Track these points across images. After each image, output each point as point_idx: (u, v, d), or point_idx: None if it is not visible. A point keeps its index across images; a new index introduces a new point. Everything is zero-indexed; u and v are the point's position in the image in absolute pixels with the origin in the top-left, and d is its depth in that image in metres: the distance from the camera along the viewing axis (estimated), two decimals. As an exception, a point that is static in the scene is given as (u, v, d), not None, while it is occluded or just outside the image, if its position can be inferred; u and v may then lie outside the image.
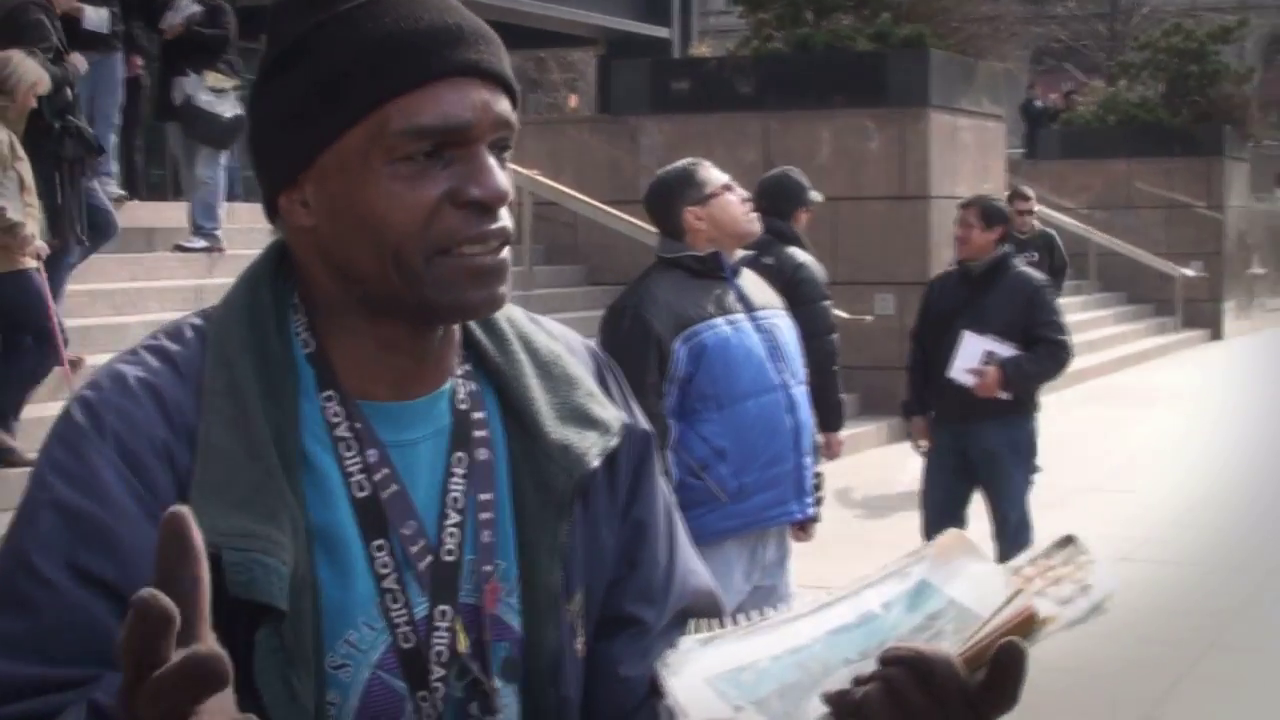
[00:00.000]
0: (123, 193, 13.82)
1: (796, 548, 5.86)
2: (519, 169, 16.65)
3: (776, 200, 8.49)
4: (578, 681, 1.71)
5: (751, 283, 5.55)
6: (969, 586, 1.52)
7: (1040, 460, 9.09)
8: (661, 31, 26.30)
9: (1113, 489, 12.91)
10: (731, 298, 5.41)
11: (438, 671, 1.63)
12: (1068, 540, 1.56)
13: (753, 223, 5.52)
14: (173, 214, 14.03)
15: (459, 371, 1.71)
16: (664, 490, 1.85)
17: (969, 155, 17.99)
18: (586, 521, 1.73)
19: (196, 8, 13.60)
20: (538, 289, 15.54)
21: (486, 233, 1.59)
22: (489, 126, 1.60)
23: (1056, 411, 15.98)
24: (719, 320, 5.34)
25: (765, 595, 5.32)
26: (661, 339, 5.23)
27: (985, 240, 8.67)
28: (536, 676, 1.67)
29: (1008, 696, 1.41)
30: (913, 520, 9.00)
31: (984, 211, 8.75)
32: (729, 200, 5.42)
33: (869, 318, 14.57)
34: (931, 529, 8.87)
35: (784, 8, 19.27)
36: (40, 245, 9.39)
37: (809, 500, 5.59)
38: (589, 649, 1.73)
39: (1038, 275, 9.04)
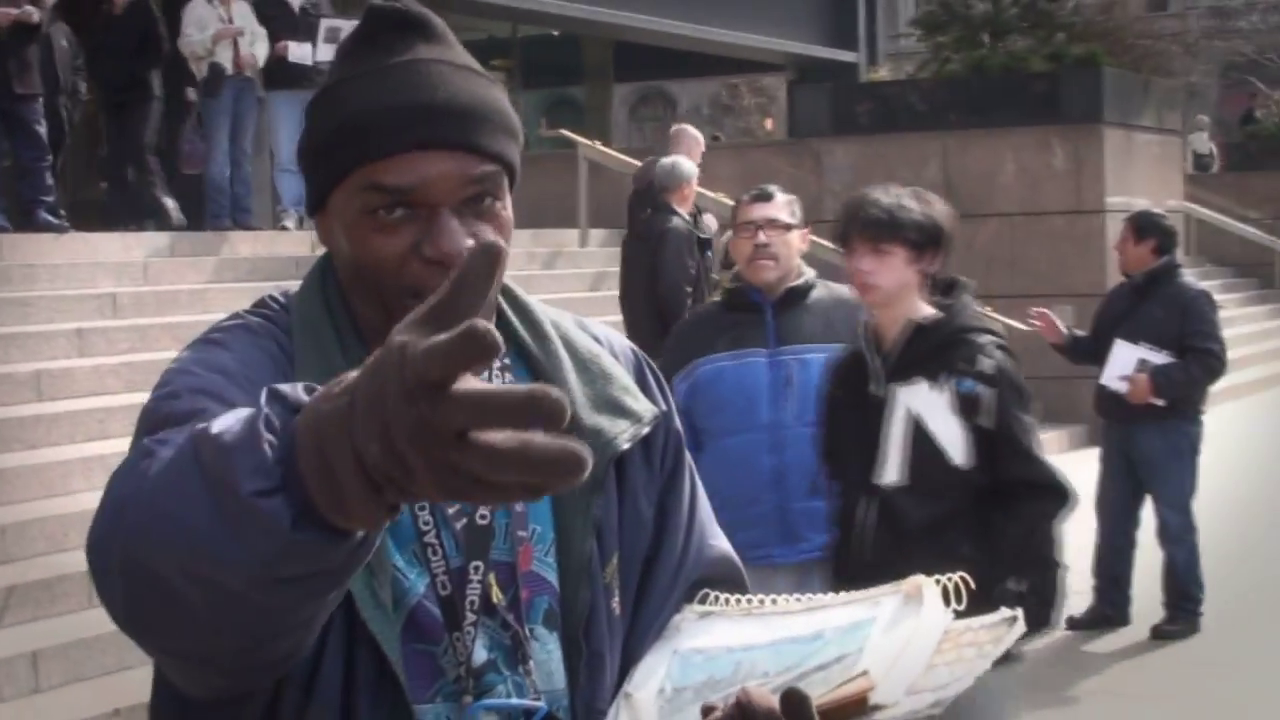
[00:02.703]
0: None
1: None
2: (706, 191, 16.79)
3: None
4: (612, 639, 1.86)
5: (805, 319, 5.25)
6: (889, 642, 1.57)
7: (1216, 465, 9.07)
8: (848, 56, 26.25)
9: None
10: (757, 333, 5.23)
11: (470, 616, 1.77)
12: (1011, 620, 1.60)
13: (755, 270, 5.22)
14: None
15: (498, 365, 1.85)
16: (693, 477, 2.02)
17: (1145, 169, 17.79)
18: (623, 496, 1.89)
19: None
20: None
21: None
22: (449, 192, 1.73)
23: (1245, 419, 15.80)
24: (722, 356, 5.22)
25: None
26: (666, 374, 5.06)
27: (1139, 253, 8.75)
28: (571, 630, 1.82)
29: None
30: (1091, 522, 8.97)
31: (1135, 225, 8.86)
32: (787, 239, 5.23)
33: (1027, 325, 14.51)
34: (1105, 530, 8.92)
35: (961, 31, 19.21)
36: None
37: (805, 546, 5.15)
38: (625, 610, 1.88)
39: (1195, 285, 9.02)
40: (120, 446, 6.87)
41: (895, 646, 1.56)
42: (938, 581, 1.64)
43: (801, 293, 5.24)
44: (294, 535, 1.27)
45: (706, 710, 1.55)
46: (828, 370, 4.80)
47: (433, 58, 1.76)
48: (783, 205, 5.32)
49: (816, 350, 5.13)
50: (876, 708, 1.49)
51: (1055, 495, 4.52)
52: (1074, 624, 8.76)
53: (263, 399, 1.33)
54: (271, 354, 1.75)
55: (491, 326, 1.12)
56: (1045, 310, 9.11)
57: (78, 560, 7.86)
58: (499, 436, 1.11)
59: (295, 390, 1.33)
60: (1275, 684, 7.63)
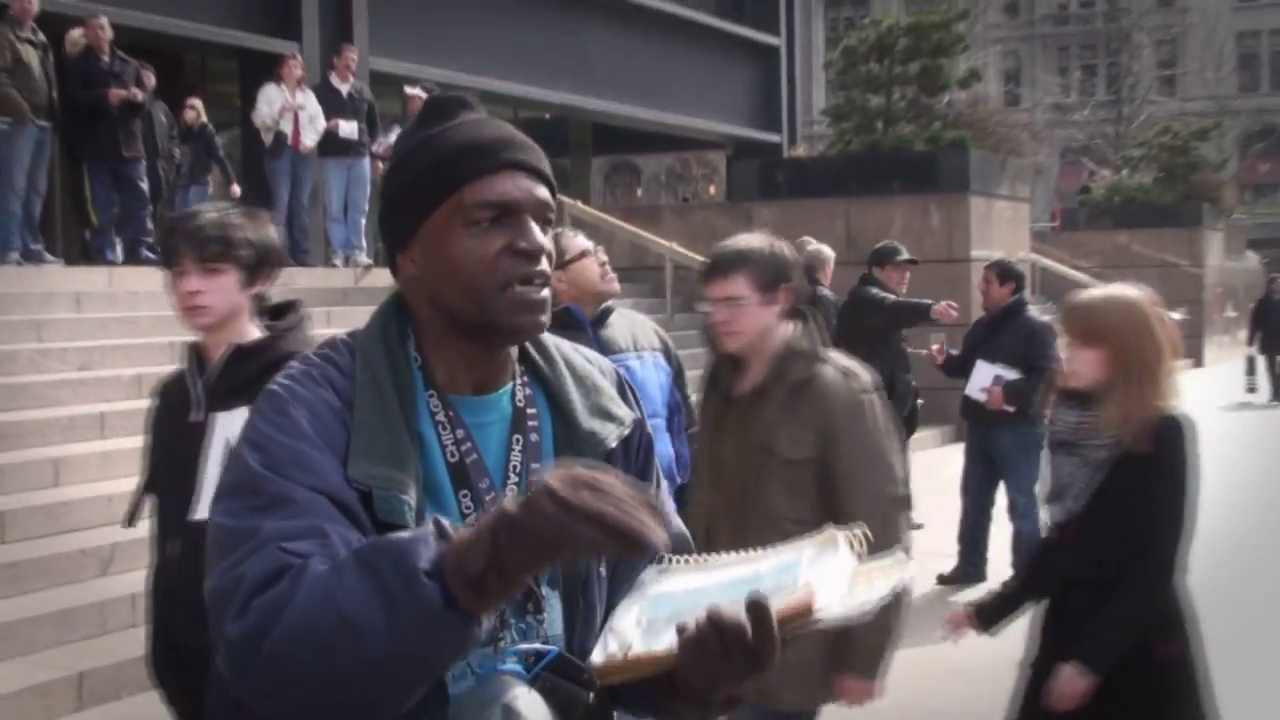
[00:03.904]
0: (369, 261, 14.07)
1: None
2: (662, 241, 16.84)
3: (872, 259, 9.33)
4: (601, 593, 1.84)
5: (620, 330, 4.89)
6: (817, 571, 1.59)
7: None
8: (773, 137, 26.29)
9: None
10: (583, 346, 4.54)
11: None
12: (905, 554, 1.65)
13: (610, 282, 4.87)
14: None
15: (519, 380, 1.86)
16: (659, 469, 1.98)
17: (1001, 229, 17.89)
18: None
19: (392, 137, 13.71)
20: (675, 330, 15.61)
21: (532, 273, 1.74)
22: (533, 204, 1.75)
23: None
24: None
25: None
26: None
27: (1001, 292, 8.77)
28: (571, 588, 1.81)
29: (767, 652, 1.49)
30: (957, 502, 9.09)
31: (1000, 271, 8.87)
32: (586, 265, 4.81)
33: (924, 351, 14.59)
34: (967, 508, 8.95)
35: (860, 119, 19.32)
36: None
37: None
38: (606, 574, 1.86)
39: (1039, 318, 9.05)
40: (203, 434, 6.43)
41: (822, 575, 1.57)
42: (850, 536, 1.66)
43: (608, 311, 4.93)
44: (444, 611, 1.43)
45: (680, 629, 1.55)
46: (154, 392, 3.53)
47: (489, 117, 1.81)
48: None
49: (631, 357, 4.86)
50: (818, 611, 1.50)
51: None
52: (943, 580, 8.81)
53: (429, 524, 1.50)
54: (333, 406, 1.71)
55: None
56: (941, 347, 9.09)
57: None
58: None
59: (448, 524, 1.50)
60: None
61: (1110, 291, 3.71)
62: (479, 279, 1.73)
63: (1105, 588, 3.60)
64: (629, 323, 5.00)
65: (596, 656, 1.64)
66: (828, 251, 10.53)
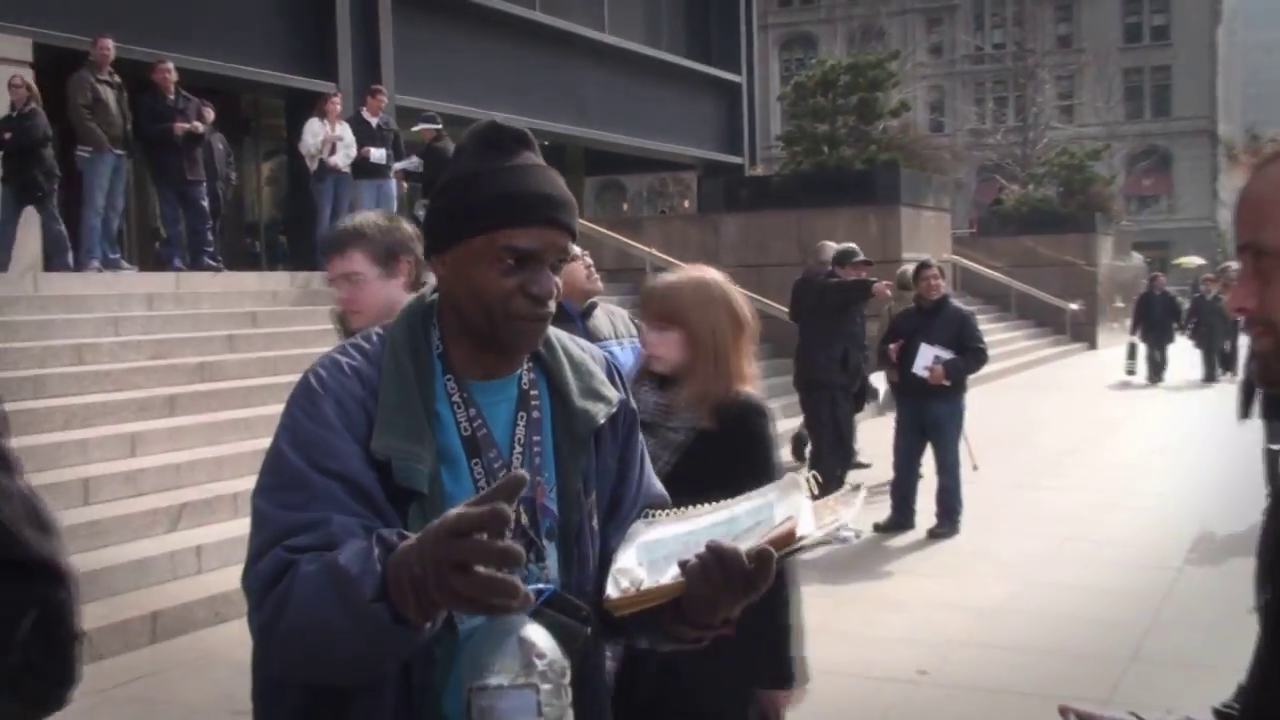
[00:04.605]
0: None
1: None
2: (643, 247, 16.78)
3: (834, 260, 9.55)
4: (593, 545, 1.83)
5: (603, 321, 4.74)
6: (787, 508, 1.60)
7: (975, 424, 9.15)
8: (736, 159, 26.24)
9: (1025, 440, 12.80)
10: (576, 335, 4.31)
11: (508, 535, 1.71)
12: (856, 488, 1.64)
13: (594, 282, 4.71)
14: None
15: (525, 366, 1.84)
16: (642, 441, 1.97)
17: (928, 235, 17.90)
18: (599, 453, 1.86)
19: (409, 162, 13.83)
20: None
21: (538, 314, 1.73)
22: (553, 253, 1.73)
23: (993, 395, 15.95)
24: None
25: None
26: None
27: (940, 286, 8.88)
28: (567, 539, 1.79)
29: (762, 576, 1.53)
30: (887, 463, 9.07)
31: (941, 270, 9.00)
32: (574, 267, 4.62)
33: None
34: (899, 467, 8.95)
35: (809, 144, 19.31)
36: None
37: None
38: (599, 528, 1.85)
39: (966, 308, 9.15)
40: (256, 413, 6.71)
41: (793, 509, 1.58)
42: (806, 478, 1.68)
43: (593, 306, 4.82)
44: (393, 626, 1.45)
45: (682, 564, 1.56)
46: None
47: (540, 164, 1.77)
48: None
49: (614, 344, 4.68)
50: (802, 538, 1.52)
51: (38, 576, 1.69)
52: (879, 528, 8.81)
53: (374, 541, 1.49)
54: (355, 396, 1.70)
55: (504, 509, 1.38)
56: (897, 348, 8.95)
57: (229, 487, 7.81)
58: (482, 572, 1.35)
59: (392, 537, 1.49)
60: (1005, 562, 7.69)
61: (686, 274, 3.18)
62: (493, 306, 1.72)
63: None
64: (608, 315, 4.94)
65: (611, 592, 1.63)
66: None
